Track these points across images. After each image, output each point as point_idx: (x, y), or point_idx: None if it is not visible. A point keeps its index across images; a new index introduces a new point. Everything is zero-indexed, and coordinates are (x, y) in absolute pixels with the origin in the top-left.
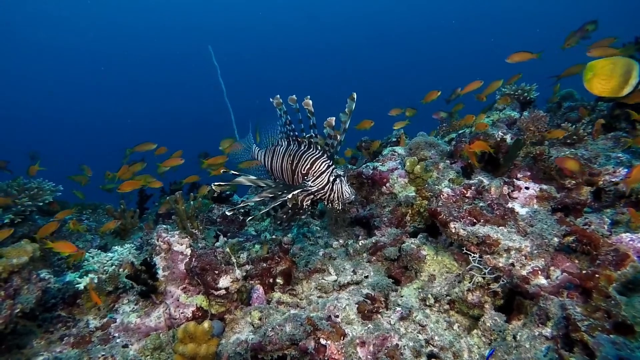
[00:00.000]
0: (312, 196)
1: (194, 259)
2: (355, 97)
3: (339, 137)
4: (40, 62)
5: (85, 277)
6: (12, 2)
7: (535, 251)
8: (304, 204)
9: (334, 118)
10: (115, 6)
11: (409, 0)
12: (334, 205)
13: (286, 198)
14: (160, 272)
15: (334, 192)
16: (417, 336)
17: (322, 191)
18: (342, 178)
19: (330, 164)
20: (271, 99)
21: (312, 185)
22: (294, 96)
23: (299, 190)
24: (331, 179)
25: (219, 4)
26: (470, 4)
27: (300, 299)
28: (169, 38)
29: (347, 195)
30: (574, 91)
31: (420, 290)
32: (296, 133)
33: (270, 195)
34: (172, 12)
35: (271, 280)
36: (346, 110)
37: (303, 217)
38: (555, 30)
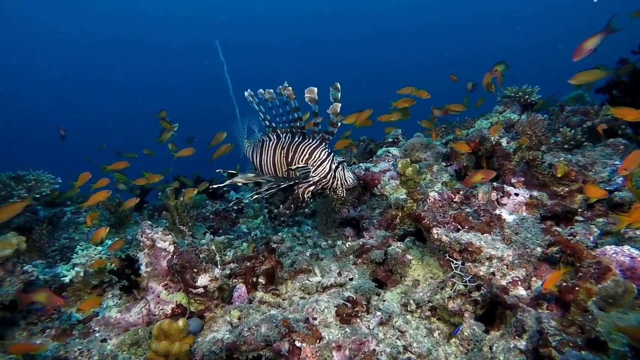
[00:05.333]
0: (313, 187)
1: (175, 257)
2: (339, 86)
3: (339, 124)
4: (46, 51)
5: (71, 270)
6: None
7: (517, 261)
8: (305, 197)
9: (340, 105)
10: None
11: None
12: (337, 193)
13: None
14: (143, 267)
15: (337, 180)
16: (396, 342)
17: (324, 180)
18: (344, 164)
19: (330, 151)
20: (246, 94)
21: (313, 174)
22: (286, 86)
23: (305, 168)
24: (333, 166)
25: None
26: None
27: (282, 299)
28: (172, 29)
29: (351, 182)
30: (584, 94)
31: (403, 295)
32: (293, 124)
33: (275, 187)
34: (175, 3)
35: (255, 279)
36: (331, 99)
37: (306, 210)
38: (552, 28)
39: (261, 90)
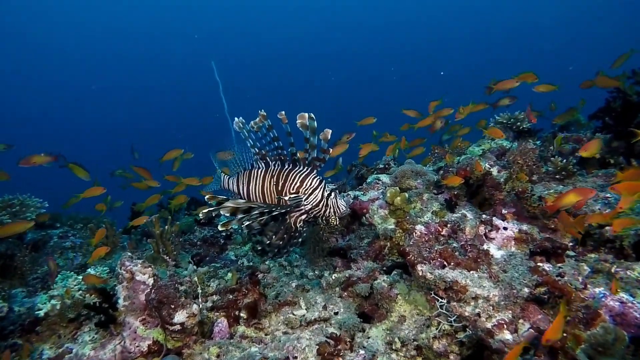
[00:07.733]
0: (305, 215)
1: (153, 291)
2: (314, 116)
3: (331, 150)
4: (41, 63)
5: (47, 302)
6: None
7: (503, 302)
8: (298, 226)
9: (330, 131)
10: (117, 7)
11: (413, 10)
12: (330, 221)
13: (283, 211)
14: (120, 301)
15: (330, 208)
16: None
17: (316, 208)
18: (336, 192)
19: (321, 179)
20: (236, 121)
21: (305, 203)
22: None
23: (297, 199)
24: (325, 194)
25: (220, 8)
26: (472, 17)
27: (265, 334)
28: (168, 41)
29: (344, 209)
30: (580, 117)
31: (388, 332)
32: (284, 152)
33: (267, 212)
34: (173, 15)
35: (237, 312)
36: (308, 131)
37: (299, 240)
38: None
39: (252, 123)
